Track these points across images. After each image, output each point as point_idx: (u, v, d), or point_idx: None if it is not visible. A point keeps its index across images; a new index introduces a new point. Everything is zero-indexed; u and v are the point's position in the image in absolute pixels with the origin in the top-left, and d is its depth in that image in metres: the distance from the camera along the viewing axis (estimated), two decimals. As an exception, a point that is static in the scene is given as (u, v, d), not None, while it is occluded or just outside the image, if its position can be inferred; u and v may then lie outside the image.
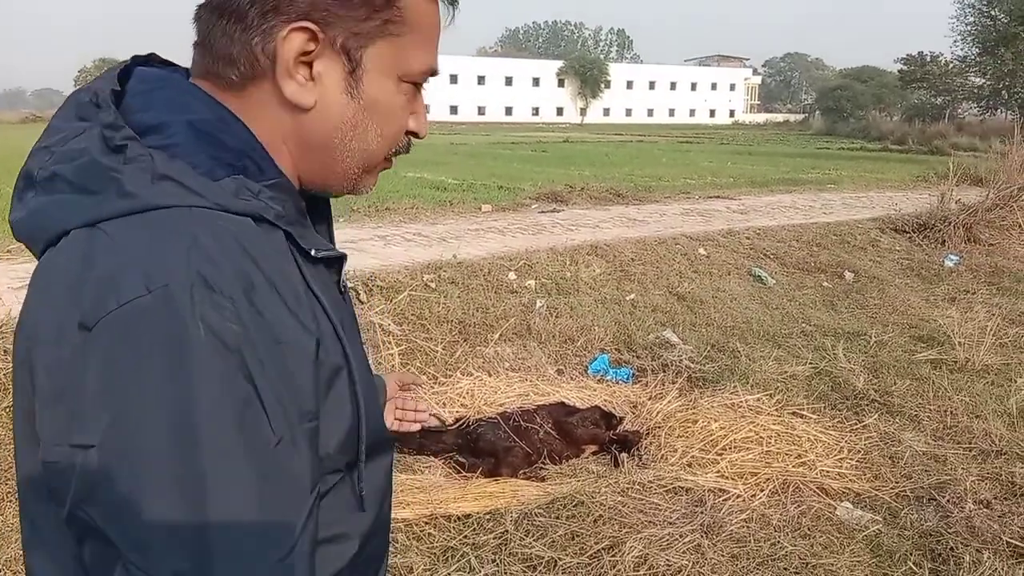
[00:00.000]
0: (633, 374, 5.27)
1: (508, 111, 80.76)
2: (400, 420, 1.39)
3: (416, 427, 1.42)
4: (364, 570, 0.84)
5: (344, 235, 7.45)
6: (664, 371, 5.18)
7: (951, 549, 3.14)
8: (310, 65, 0.75)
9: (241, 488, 0.63)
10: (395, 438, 0.91)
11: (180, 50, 0.85)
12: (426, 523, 3.24)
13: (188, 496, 0.62)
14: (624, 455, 4.05)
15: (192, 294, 0.63)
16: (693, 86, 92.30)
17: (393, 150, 0.85)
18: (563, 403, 4.56)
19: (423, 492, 3.48)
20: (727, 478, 3.65)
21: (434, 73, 0.84)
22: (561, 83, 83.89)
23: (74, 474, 0.63)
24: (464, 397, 4.56)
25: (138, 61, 0.81)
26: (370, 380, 0.82)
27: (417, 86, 0.84)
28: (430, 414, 4.30)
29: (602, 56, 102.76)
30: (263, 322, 0.66)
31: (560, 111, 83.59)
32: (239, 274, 0.66)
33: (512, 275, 6.19)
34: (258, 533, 0.64)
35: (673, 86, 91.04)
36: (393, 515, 3.29)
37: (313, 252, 0.77)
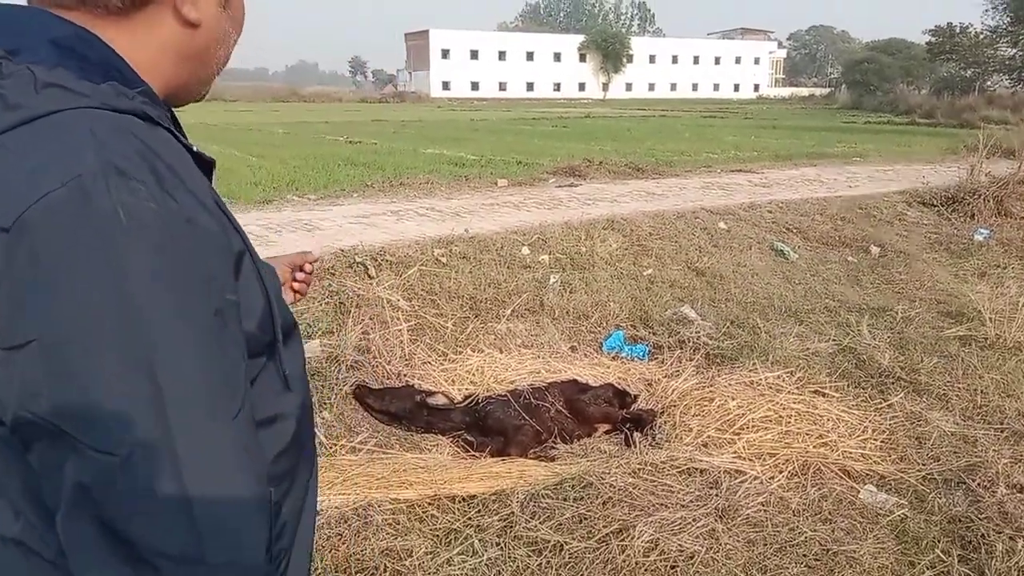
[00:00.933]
0: (649, 351, 5.12)
1: (530, 87, 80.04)
2: (297, 292, 1.36)
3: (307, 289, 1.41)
4: (303, 447, 0.89)
5: (357, 210, 7.33)
6: (681, 348, 5.02)
7: (982, 536, 2.98)
8: None
9: (188, 355, 0.67)
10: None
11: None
12: (429, 504, 3.13)
13: (138, 369, 0.64)
14: (637, 434, 3.92)
15: (107, 181, 0.66)
16: (716, 60, 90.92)
17: None
18: (575, 381, 4.43)
19: (427, 472, 3.36)
20: (744, 459, 3.50)
21: None
22: (583, 58, 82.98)
23: (16, 374, 0.64)
24: (474, 374, 4.43)
25: None
26: (267, 266, 0.88)
27: None
28: (441, 392, 4.20)
29: (623, 30, 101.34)
30: (174, 203, 0.69)
31: (582, 86, 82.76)
32: (144, 161, 0.69)
33: (525, 250, 6.04)
34: (210, 395, 0.68)
35: (696, 60, 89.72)
36: (395, 495, 3.17)
37: (195, 148, 0.80)
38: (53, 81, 0.70)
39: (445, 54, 77.20)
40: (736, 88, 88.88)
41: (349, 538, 2.88)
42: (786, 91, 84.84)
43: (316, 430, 3.76)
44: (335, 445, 3.65)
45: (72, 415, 0.63)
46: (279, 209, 7.28)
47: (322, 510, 3.04)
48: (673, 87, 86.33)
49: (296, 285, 1.34)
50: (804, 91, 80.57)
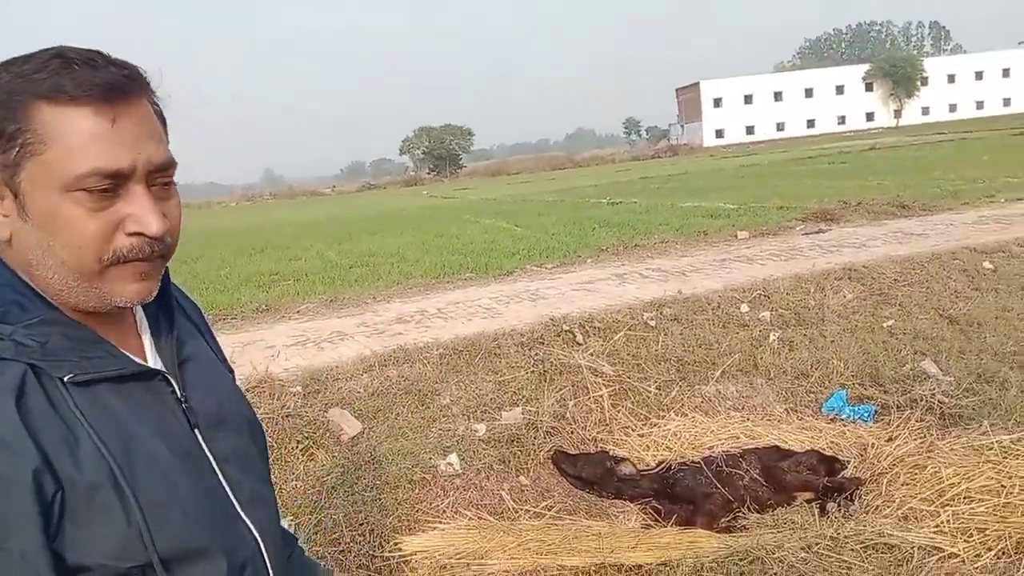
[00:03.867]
0: (875, 412, 4.74)
1: (810, 123, 76.68)
2: None
3: None
4: None
5: (585, 276, 7.59)
6: (912, 407, 4.60)
7: None
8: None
9: None
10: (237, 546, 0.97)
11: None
12: (594, 572, 3.20)
13: None
14: (832, 504, 3.67)
15: None
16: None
17: (113, 256, 0.86)
18: (776, 447, 4.25)
19: (597, 540, 3.43)
20: (945, 534, 3.16)
21: (112, 174, 0.84)
22: (869, 87, 77.94)
23: None
24: (669, 439, 4.42)
25: None
26: (189, 496, 0.91)
27: (106, 191, 0.84)
28: (629, 460, 4.25)
29: (915, 52, 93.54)
30: None
31: (870, 116, 77.57)
32: None
33: (744, 307, 5.88)
34: None
35: (1006, 73, 79.96)
36: (563, 563, 3.29)
37: (65, 378, 0.85)
38: None
39: (717, 103, 76.58)
40: (1061, 98, 77.81)
41: (509, 602, 3.04)
42: None
43: (505, 495, 4.01)
44: (520, 510, 3.85)
45: None
46: (515, 280, 7.75)
47: (492, 574, 3.24)
48: (979, 105, 77.69)
49: None
50: None
